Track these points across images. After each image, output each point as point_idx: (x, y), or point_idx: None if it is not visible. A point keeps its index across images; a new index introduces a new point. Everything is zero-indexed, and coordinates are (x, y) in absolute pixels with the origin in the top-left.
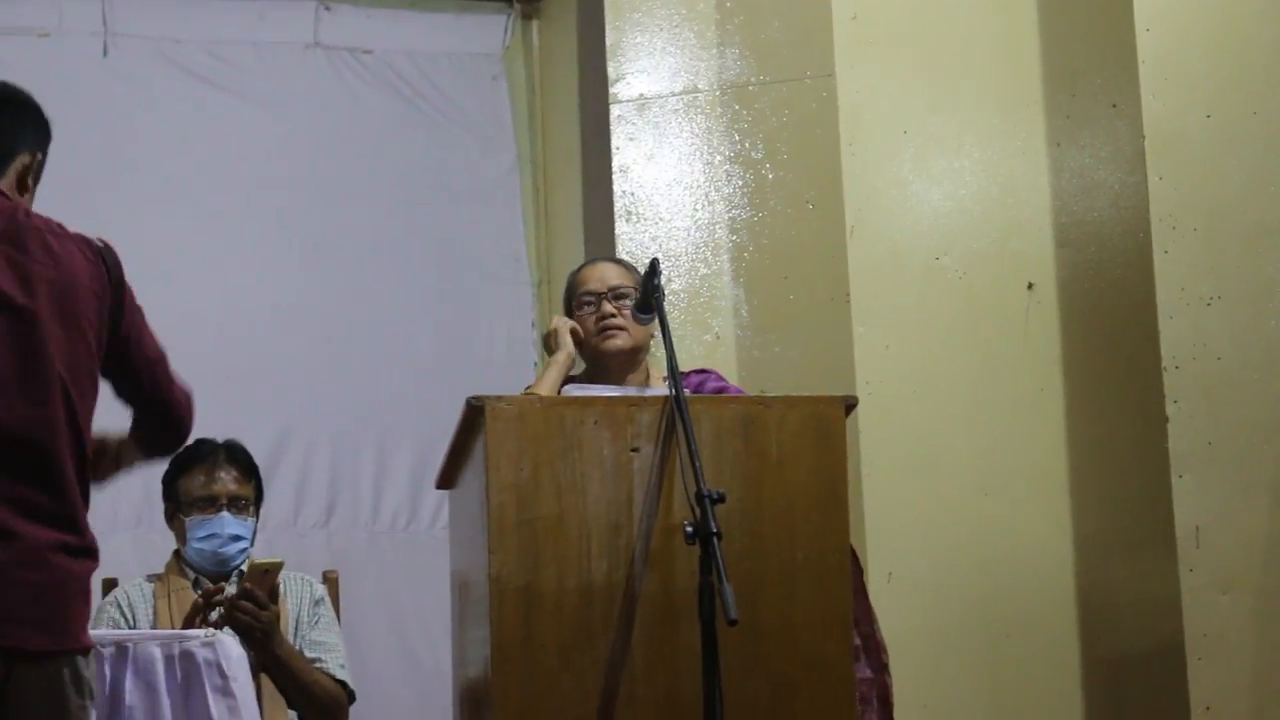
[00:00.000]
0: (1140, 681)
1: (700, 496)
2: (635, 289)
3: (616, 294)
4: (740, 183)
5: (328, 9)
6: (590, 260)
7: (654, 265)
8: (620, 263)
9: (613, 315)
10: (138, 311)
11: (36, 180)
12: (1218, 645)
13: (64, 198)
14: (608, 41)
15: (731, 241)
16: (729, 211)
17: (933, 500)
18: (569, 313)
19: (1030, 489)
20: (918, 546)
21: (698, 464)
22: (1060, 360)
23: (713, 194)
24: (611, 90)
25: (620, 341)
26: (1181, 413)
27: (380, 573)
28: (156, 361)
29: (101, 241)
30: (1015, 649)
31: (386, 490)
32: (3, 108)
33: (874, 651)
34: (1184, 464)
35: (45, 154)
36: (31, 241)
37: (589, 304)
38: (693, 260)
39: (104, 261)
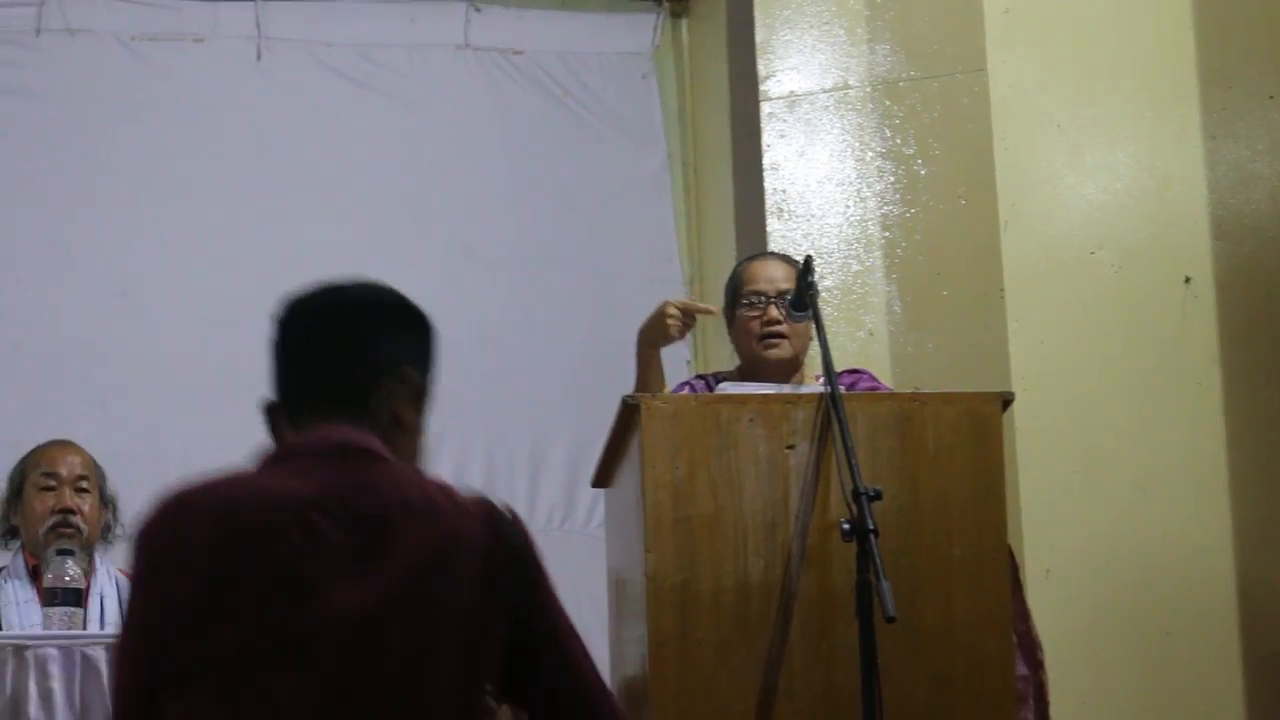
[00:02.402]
0: None
1: (857, 493)
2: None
3: (784, 297)
4: (892, 179)
5: (478, 10)
6: (760, 255)
7: (808, 263)
8: (789, 261)
9: (779, 322)
10: (549, 597)
11: (422, 413)
12: None
13: (217, 202)
14: (757, 39)
15: (884, 238)
16: (881, 208)
17: (1090, 496)
18: (731, 306)
19: (1189, 484)
20: (1075, 543)
21: (854, 461)
22: (1218, 354)
23: (864, 190)
24: (762, 87)
25: (782, 351)
26: None
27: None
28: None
29: (508, 510)
30: (1175, 646)
31: (542, 488)
32: (361, 313)
33: (1029, 649)
34: None
35: (431, 374)
36: (399, 526)
37: (755, 304)
38: (845, 257)
39: (498, 535)
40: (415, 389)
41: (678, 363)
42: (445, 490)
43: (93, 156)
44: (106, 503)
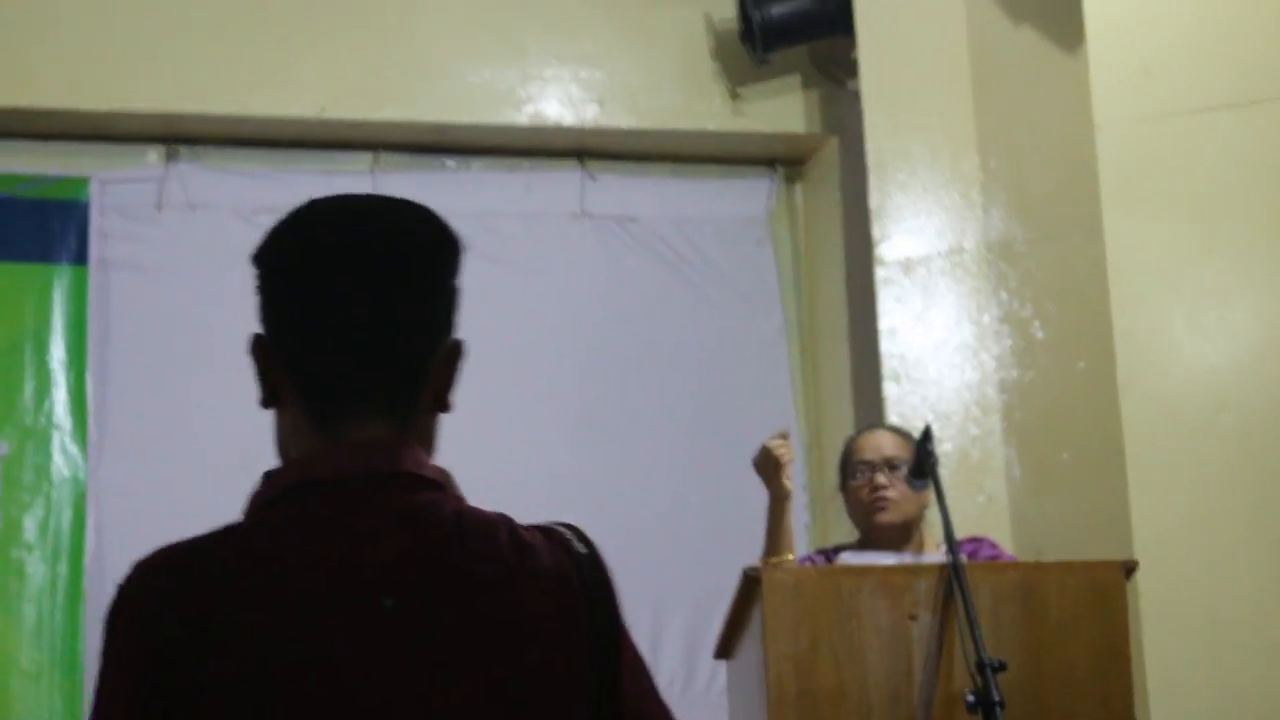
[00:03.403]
0: None
1: (981, 665)
2: (910, 458)
3: (891, 464)
4: (1009, 342)
5: (593, 179)
6: (868, 427)
7: (927, 431)
8: (897, 431)
9: (885, 487)
10: (640, 664)
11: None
12: None
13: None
14: (871, 203)
15: (1002, 401)
16: (998, 371)
17: (1219, 668)
18: (844, 479)
19: None
20: (1203, 714)
21: (978, 632)
22: None
23: (981, 354)
24: (876, 251)
25: (890, 515)
26: None
27: None
28: None
29: (582, 542)
30: None
31: (663, 655)
32: (414, 250)
33: None
34: None
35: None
36: (477, 613)
37: (862, 473)
38: (963, 421)
39: (579, 573)
40: (460, 357)
41: (797, 532)
42: (514, 536)
43: (213, 329)
44: None
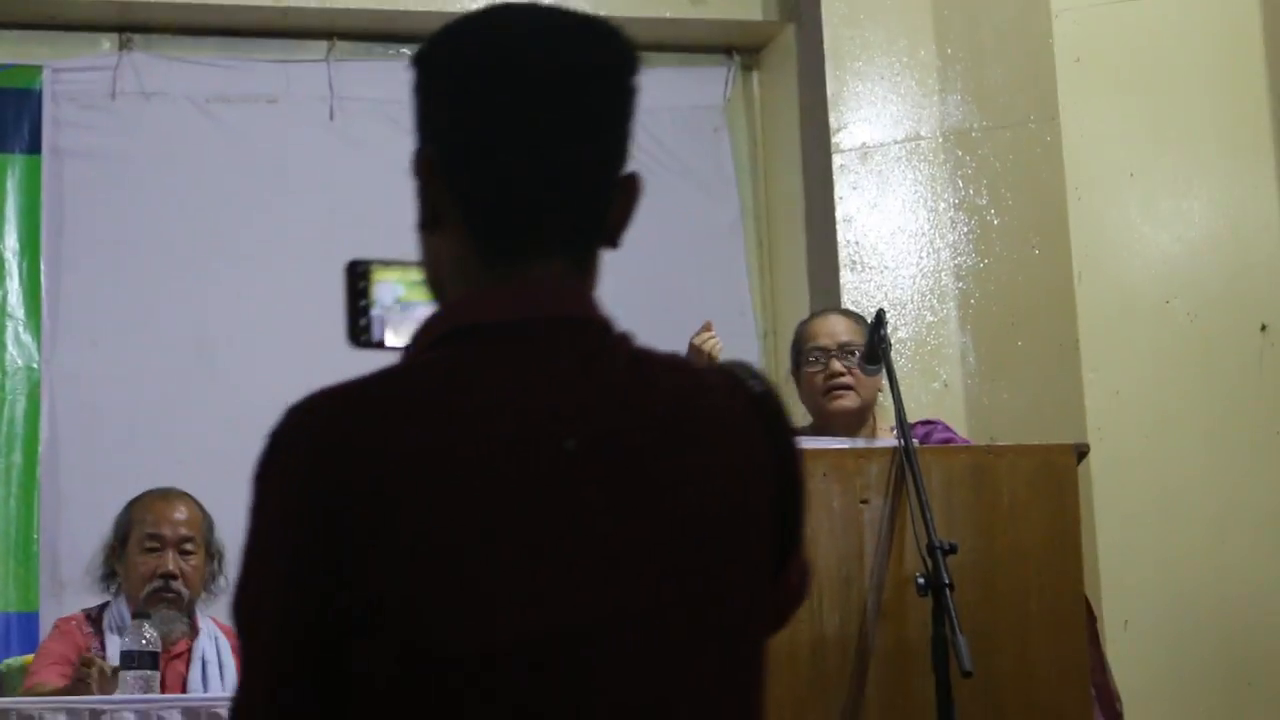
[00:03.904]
0: None
1: (932, 548)
2: (863, 343)
3: (845, 350)
4: (965, 229)
5: None
6: (820, 312)
7: (880, 316)
8: (850, 315)
9: (842, 374)
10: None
11: None
12: None
13: (291, 261)
14: (829, 91)
15: (957, 289)
16: (954, 259)
17: (1169, 547)
18: (796, 365)
19: (1267, 532)
20: (1154, 594)
21: (929, 515)
22: None
23: (937, 241)
24: (833, 139)
25: (848, 402)
26: None
27: None
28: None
29: (757, 380)
30: (1257, 695)
31: None
32: (606, 64)
33: (1108, 702)
34: None
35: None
36: (664, 465)
37: (816, 359)
38: (919, 308)
39: (761, 414)
40: (640, 192)
41: None
42: (693, 379)
43: (168, 218)
44: (212, 554)
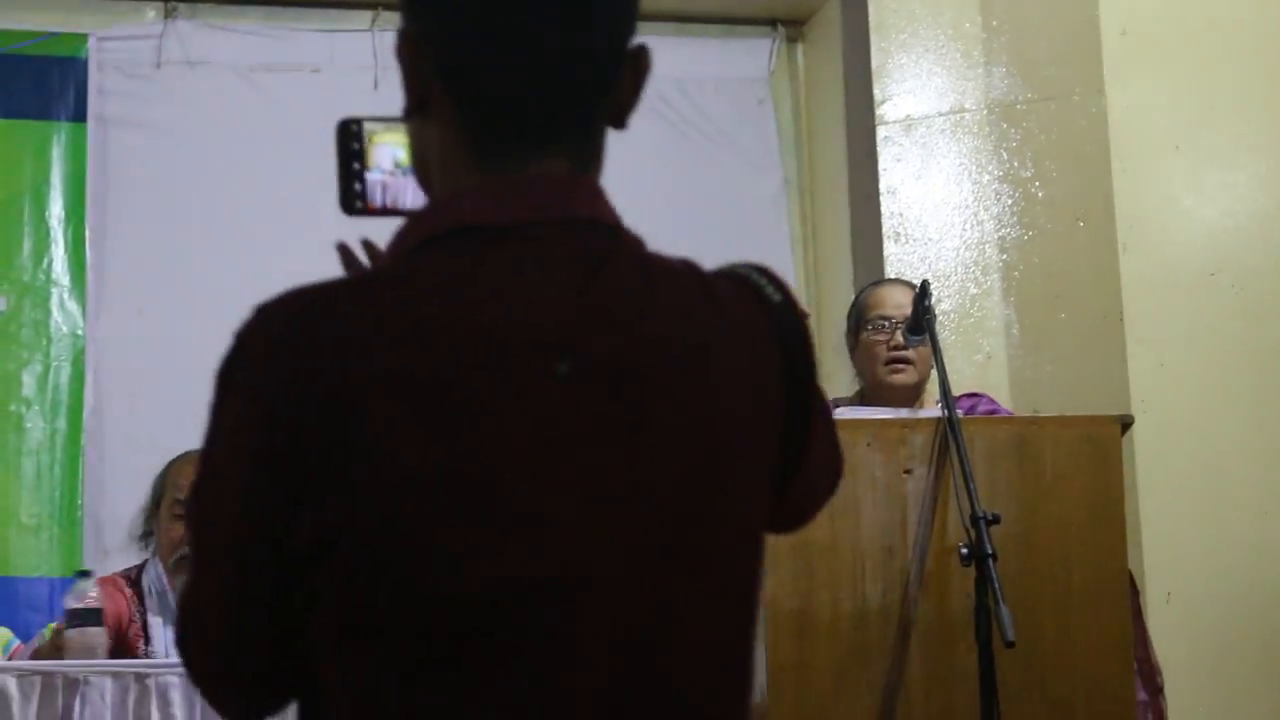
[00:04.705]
0: None
1: (975, 518)
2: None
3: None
4: (1009, 201)
5: None
6: (884, 281)
7: (924, 287)
8: (911, 287)
9: (905, 348)
10: (829, 428)
11: None
12: None
13: (339, 229)
14: (873, 63)
15: (1001, 260)
16: (998, 230)
17: (1212, 520)
18: (855, 331)
19: None
20: (1197, 567)
21: (972, 485)
22: None
23: (981, 213)
24: (878, 111)
25: (907, 377)
26: None
27: None
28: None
29: (775, 287)
30: None
31: None
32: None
33: (1149, 675)
34: None
35: None
36: (668, 383)
37: (881, 328)
38: (962, 280)
39: (774, 324)
40: (648, 67)
41: None
42: (704, 288)
43: (212, 186)
44: None
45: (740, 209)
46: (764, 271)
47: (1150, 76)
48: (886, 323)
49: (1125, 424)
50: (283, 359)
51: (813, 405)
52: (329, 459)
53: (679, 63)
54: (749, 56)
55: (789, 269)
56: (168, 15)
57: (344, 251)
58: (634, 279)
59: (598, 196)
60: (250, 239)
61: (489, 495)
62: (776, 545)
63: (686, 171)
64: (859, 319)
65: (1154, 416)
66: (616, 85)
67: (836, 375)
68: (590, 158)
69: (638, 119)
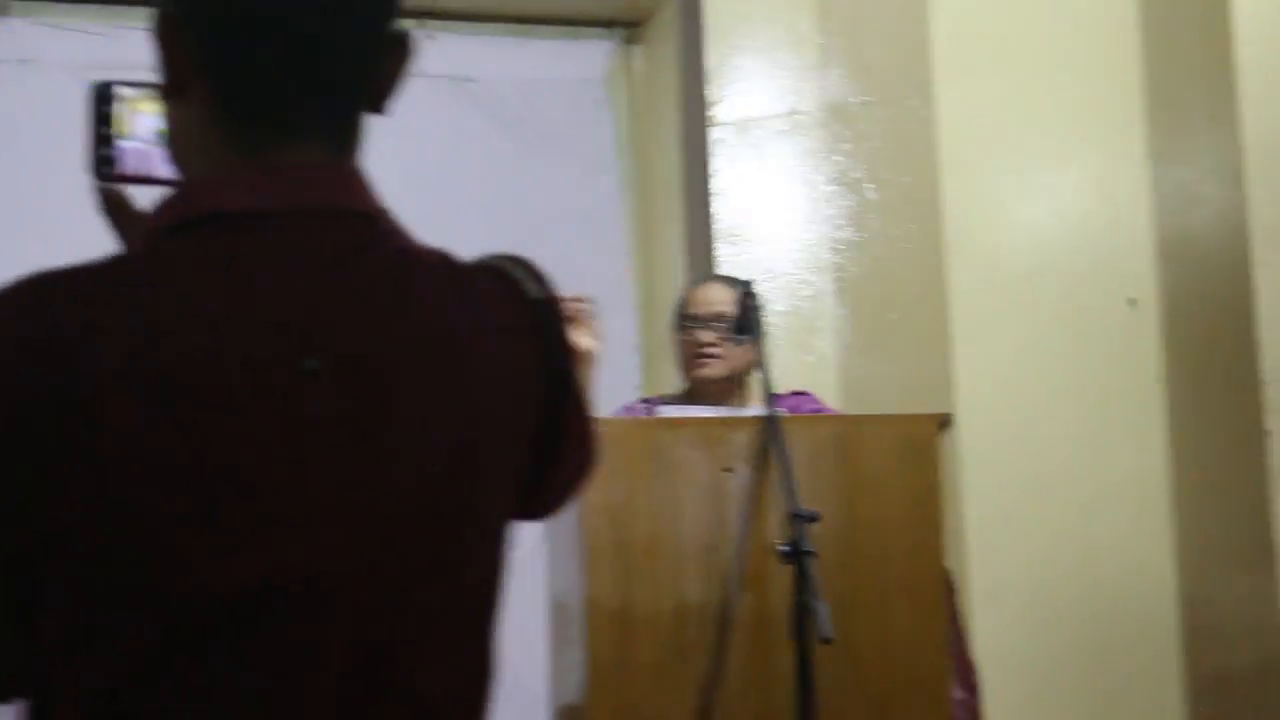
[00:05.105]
0: (1244, 699)
1: (794, 516)
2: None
3: (720, 319)
4: (842, 203)
5: (430, 37)
6: (702, 279)
7: (747, 287)
8: (732, 284)
9: (710, 344)
10: (585, 430)
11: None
12: None
13: None
14: (708, 64)
15: (834, 262)
16: (831, 232)
17: (1035, 518)
18: (675, 326)
19: (1132, 505)
20: (1019, 565)
21: (792, 483)
22: (1162, 375)
23: (814, 215)
24: (711, 113)
25: (710, 370)
26: None
27: None
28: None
29: (536, 281)
30: (1118, 667)
31: None
32: None
33: (965, 672)
34: None
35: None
36: (411, 387)
37: (688, 327)
38: (795, 281)
39: (532, 320)
40: (410, 54)
41: (627, 389)
42: (461, 281)
43: (47, 186)
44: None
45: (576, 210)
46: (524, 264)
47: (979, 80)
48: (695, 321)
49: (943, 423)
50: (18, 348)
51: (568, 399)
52: (65, 452)
53: (515, 64)
54: (585, 58)
55: (623, 269)
56: (0, 11)
57: (107, 197)
58: (388, 272)
59: (356, 184)
60: (83, 236)
61: (228, 492)
62: (597, 543)
63: (522, 173)
64: (676, 318)
65: (980, 417)
66: (376, 70)
67: (668, 378)
68: (348, 144)
69: (474, 120)
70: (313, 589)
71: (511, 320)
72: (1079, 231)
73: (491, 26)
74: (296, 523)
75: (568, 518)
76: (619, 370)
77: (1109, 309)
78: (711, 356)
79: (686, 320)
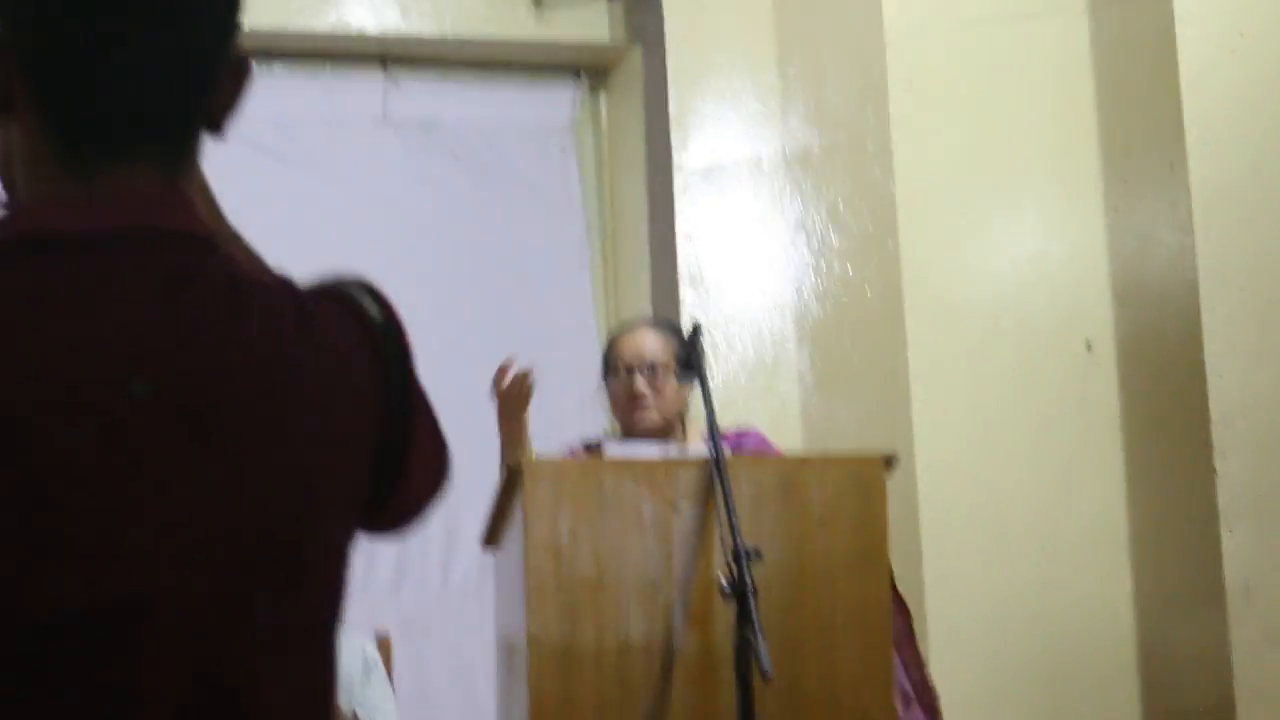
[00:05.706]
0: None
1: (737, 553)
2: (674, 358)
3: (651, 368)
4: (804, 249)
5: (396, 85)
6: (631, 326)
7: (696, 329)
8: (662, 329)
9: (643, 395)
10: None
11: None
12: (1269, 700)
13: None
14: (672, 112)
15: (795, 306)
16: (793, 277)
17: (993, 558)
18: (605, 373)
19: (1090, 547)
20: (978, 604)
21: (734, 521)
22: (1119, 418)
23: (777, 260)
24: (676, 159)
25: (650, 417)
26: (1230, 468)
27: (444, 633)
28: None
29: (377, 304)
30: (1076, 707)
31: (459, 553)
32: None
33: (925, 696)
34: (1233, 519)
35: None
36: (251, 417)
37: (622, 375)
38: (758, 325)
39: (373, 341)
40: (248, 77)
41: (594, 432)
42: (298, 305)
43: None
44: None
45: (542, 256)
46: (366, 288)
47: (937, 129)
48: (626, 371)
49: (889, 462)
50: None
51: (413, 415)
52: None
53: (482, 110)
54: (552, 105)
55: (589, 314)
56: None
57: None
58: (221, 296)
59: (188, 207)
60: None
61: (52, 516)
62: (541, 579)
63: (489, 219)
64: (606, 365)
65: (937, 458)
66: (214, 91)
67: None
68: (182, 166)
69: (439, 166)
70: (138, 614)
71: (351, 342)
72: (1036, 276)
73: (457, 72)
74: (120, 546)
75: (513, 555)
76: (586, 414)
77: (1066, 352)
78: (647, 403)
79: (619, 370)
